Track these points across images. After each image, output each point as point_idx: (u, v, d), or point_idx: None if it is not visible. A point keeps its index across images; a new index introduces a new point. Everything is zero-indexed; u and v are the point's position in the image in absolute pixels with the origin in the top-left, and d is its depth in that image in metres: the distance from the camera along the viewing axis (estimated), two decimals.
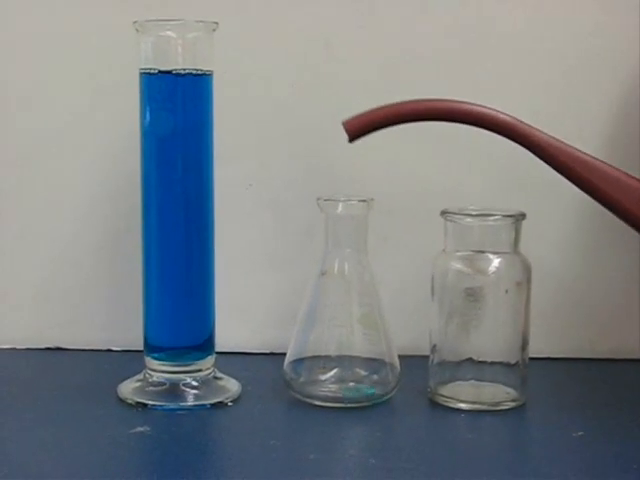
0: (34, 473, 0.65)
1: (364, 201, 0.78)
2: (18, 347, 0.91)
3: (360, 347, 0.78)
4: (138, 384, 0.79)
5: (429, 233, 0.81)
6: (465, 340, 0.78)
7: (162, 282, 0.78)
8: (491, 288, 0.77)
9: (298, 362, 0.79)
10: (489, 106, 0.73)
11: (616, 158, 0.77)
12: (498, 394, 0.78)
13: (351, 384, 0.78)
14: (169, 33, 0.75)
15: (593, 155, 0.72)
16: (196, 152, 0.77)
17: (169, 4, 0.85)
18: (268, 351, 0.90)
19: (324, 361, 0.78)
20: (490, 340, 0.78)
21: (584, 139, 0.84)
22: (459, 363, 0.78)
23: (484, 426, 0.75)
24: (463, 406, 0.77)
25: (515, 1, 0.88)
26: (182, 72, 0.75)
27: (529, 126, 0.72)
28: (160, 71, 0.75)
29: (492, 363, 0.78)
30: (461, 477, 0.66)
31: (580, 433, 0.72)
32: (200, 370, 0.78)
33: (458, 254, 0.78)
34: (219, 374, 0.80)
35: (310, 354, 0.78)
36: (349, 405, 0.77)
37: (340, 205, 0.78)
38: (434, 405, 0.78)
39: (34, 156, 0.90)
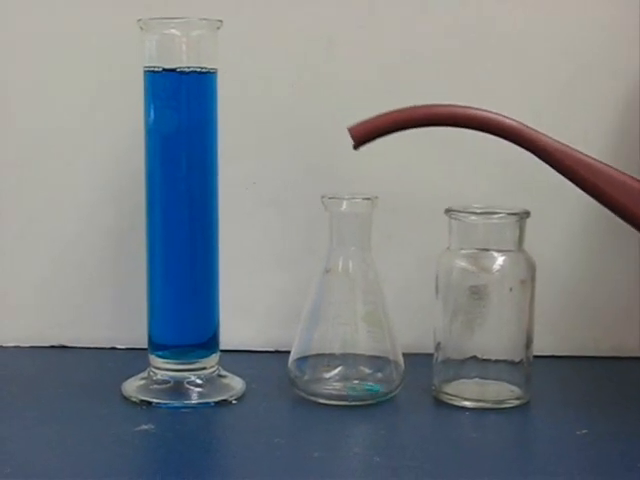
0: (38, 471, 0.65)
1: (368, 199, 0.78)
2: (22, 345, 0.91)
3: (364, 345, 0.78)
4: (142, 382, 0.79)
5: (433, 231, 0.80)
6: (469, 338, 0.78)
7: (166, 280, 0.78)
8: (495, 286, 0.77)
9: (302, 360, 0.79)
10: (489, 106, 0.73)
11: (617, 157, 0.77)
12: (502, 392, 0.78)
13: (355, 382, 0.78)
14: (173, 31, 0.75)
15: (595, 155, 0.72)
16: (200, 150, 0.77)
17: (170, 3, 0.85)
18: (272, 349, 0.90)
19: (328, 359, 0.78)
20: (494, 338, 0.78)
21: (584, 138, 0.85)
22: (463, 361, 0.78)
23: (488, 424, 0.75)
24: (467, 404, 0.77)
25: (515, 1, 0.88)
26: (186, 70, 0.75)
27: (535, 131, 0.72)
28: (164, 69, 0.75)
29: (496, 361, 0.78)
30: (465, 475, 0.66)
31: (584, 431, 0.72)
32: (204, 368, 0.78)
33: (462, 252, 0.78)
34: (223, 372, 0.80)
35: (314, 352, 0.78)
36: (353, 403, 0.77)
37: (344, 203, 0.78)
38: (438, 403, 0.78)
39: (37, 156, 0.90)
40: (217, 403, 0.77)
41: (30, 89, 0.89)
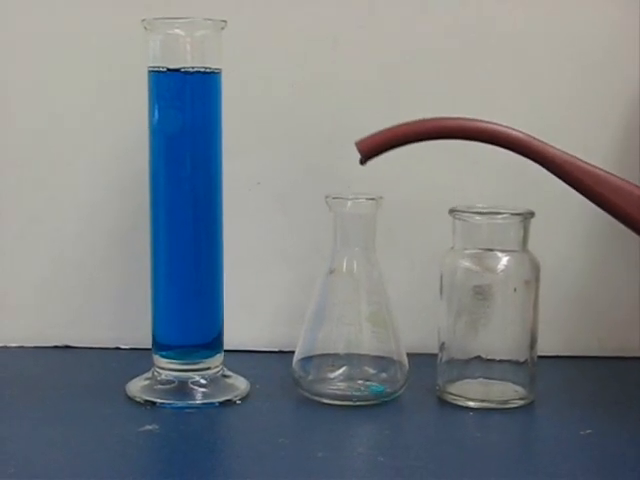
0: (42, 471, 0.65)
1: (373, 199, 0.78)
2: (26, 345, 0.91)
3: (369, 345, 0.78)
4: (146, 382, 0.79)
5: (437, 231, 0.80)
6: (474, 338, 0.78)
7: (170, 280, 0.78)
8: (500, 286, 0.77)
9: (307, 360, 0.79)
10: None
11: (617, 156, 0.77)
12: (507, 392, 0.78)
13: (359, 382, 0.78)
14: (177, 31, 0.75)
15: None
16: (205, 150, 0.77)
17: (171, 3, 0.85)
18: (277, 349, 0.90)
19: (333, 359, 0.78)
20: (499, 338, 0.78)
21: (584, 138, 0.85)
22: (468, 361, 0.78)
23: (492, 424, 0.75)
24: (472, 404, 0.77)
25: (515, 1, 0.88)
26: (190, 70, 0.75)
27: (543, 143, 0.72)
28: (169, 69, 0.75)
29: (501, 361, 0.78)
30: (470, 475, 0.66)
31: (588, 431, 0.72)
32: (209, 368, 0.78)
33: (467, 252, 0.78)
34: (228, 372, 0.80)
35: (319, 352, 0.79)
36: (357, 403, 0.77)
37: (349, 203, 0.78)
38: (443, 403, 0.78)
39: (37, 156, 0.90)
40: (221, 403, 0.77)
41: (30, 89, 0.89)
